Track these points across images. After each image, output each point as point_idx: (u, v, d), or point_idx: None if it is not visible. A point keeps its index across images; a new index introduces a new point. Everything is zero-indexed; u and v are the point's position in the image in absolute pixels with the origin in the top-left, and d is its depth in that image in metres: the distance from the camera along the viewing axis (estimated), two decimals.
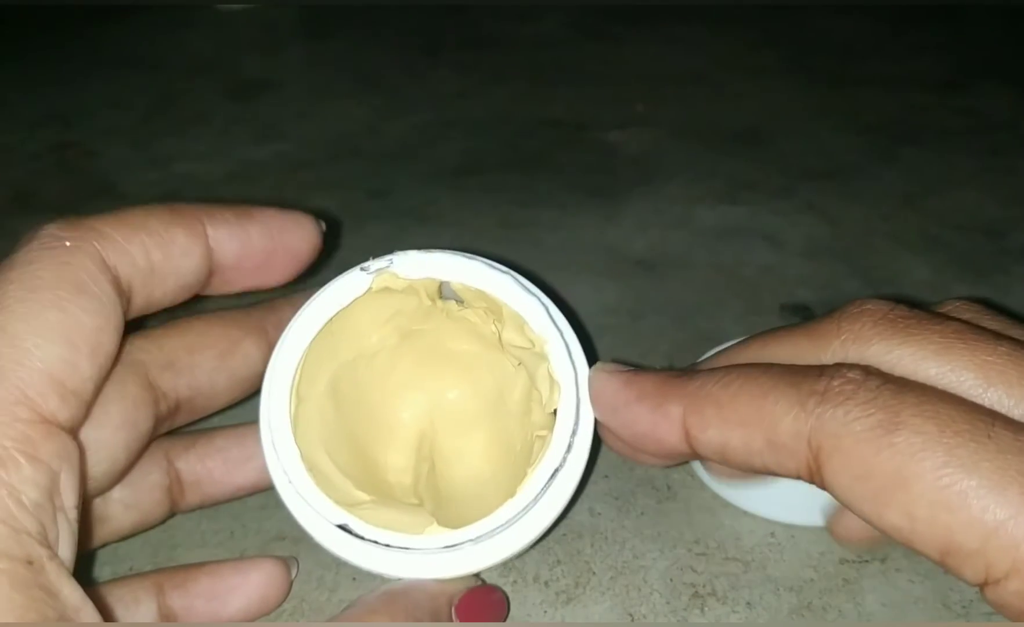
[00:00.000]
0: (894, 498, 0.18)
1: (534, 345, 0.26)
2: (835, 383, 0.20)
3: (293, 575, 0.28)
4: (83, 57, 0.69)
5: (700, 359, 0.35)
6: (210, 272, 0.25)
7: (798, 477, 0.20)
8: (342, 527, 0.25)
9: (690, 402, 0.22)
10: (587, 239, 0.47)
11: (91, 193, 0.51)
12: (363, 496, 0.26)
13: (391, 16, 0.75)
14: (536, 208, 0.49)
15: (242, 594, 0.27)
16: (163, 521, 0.29)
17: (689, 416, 0.22)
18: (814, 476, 0.20)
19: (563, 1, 0.76)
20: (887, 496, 0.18)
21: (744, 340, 0.26)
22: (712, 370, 0.23)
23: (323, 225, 0.27)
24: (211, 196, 0.51)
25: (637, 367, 0.25)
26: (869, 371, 0.20)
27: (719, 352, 0.35)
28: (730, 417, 0.21)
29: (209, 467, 0.29)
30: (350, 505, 0.25)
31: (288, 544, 0.30)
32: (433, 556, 0.25)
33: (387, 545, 0.25)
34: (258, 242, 0.25)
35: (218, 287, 0.25)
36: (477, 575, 0.26)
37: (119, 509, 0.27)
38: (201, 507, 0.29)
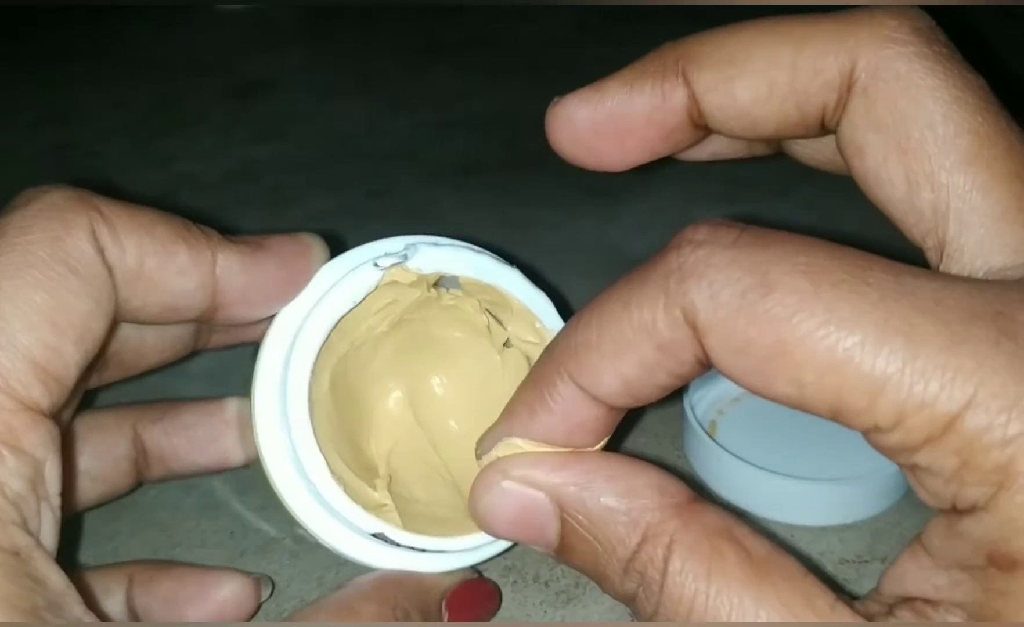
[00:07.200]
0: (778, 368, 0.17)
1: (544, 341, 0.26)
2: (684, 252, 0.18)
3: (264, 597, 0.27)
4: (83, 57, 0.69)
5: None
6: (213, 306, 0.23)
7: (699, 368, 0.18)
8: (378, 536, 0.24)
9: (572, 368, 0.20)
10: (587, 239, 0.47)
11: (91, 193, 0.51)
12: (380, 498, 0.26)
13: (391, 16, 0.75)
14: (536, 208, 0.49)
15: (198, 607, 0.26)
16: (129, 492, 0.29)
17: (579, 379, 0.19)
18: (706, 359, 0.18)
19: (563, 1, 0.76)
20: (771, 367, 0.17)
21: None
22: (567, 324, 0.20)
23: (326, 247, 0.26)
24: (211, 196, 0.51)
25: None
26: (716, 224, 0.18)
27: None
28: (609, 351, 0.19)
29: (174, 444, 0.28)
30: (375, 509, 0.25)
31: (289, 543, 0.30)
32: (453, 555, 0.25)
33: (423, 550, 0.24)
34: (272, 271, 0.24)
35: (222, 319, 0.24)
36: (474, 567, 0.26)
37: (86, 482, 0.27)
38: (164, 480, 0.29)
